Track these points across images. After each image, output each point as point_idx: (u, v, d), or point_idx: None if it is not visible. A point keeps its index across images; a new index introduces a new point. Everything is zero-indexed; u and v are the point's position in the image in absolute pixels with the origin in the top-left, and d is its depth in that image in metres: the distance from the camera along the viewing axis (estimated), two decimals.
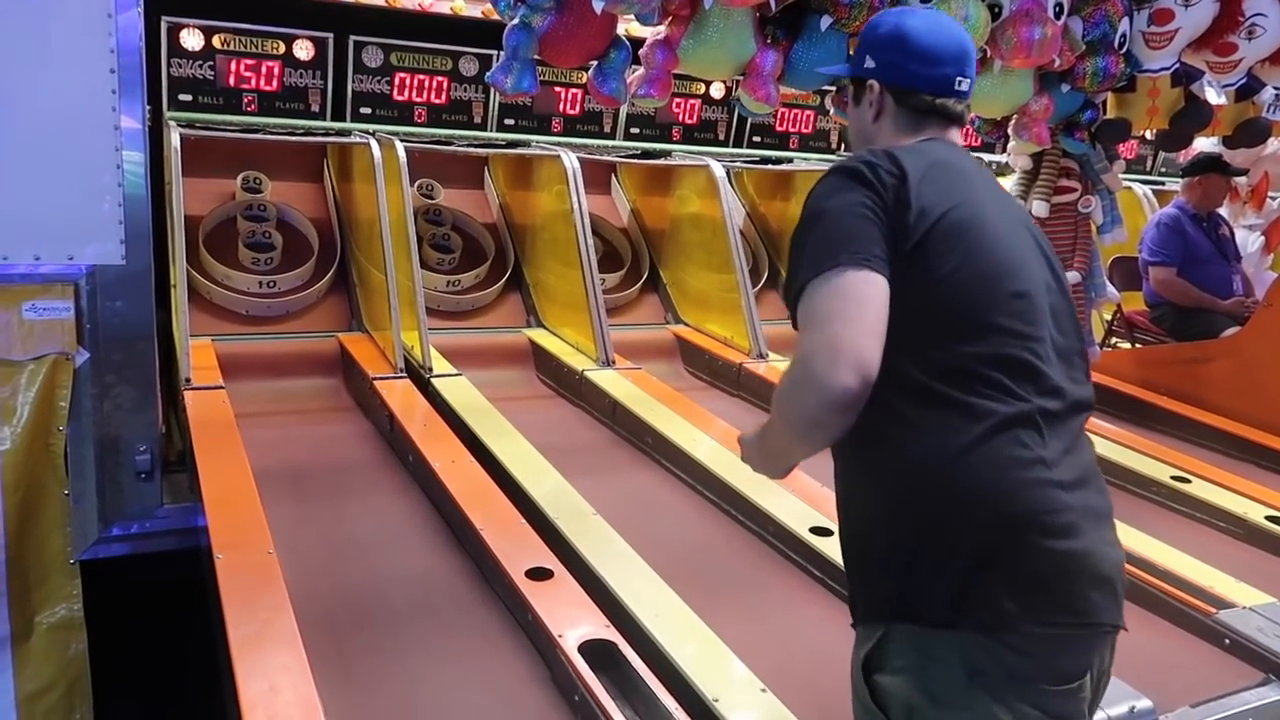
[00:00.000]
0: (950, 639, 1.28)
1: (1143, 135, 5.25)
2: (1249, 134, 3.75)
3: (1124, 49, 3.20)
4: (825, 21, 2.57)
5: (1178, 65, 3.35)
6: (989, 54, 2.90)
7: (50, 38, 2.47)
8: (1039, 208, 3.78)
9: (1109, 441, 3.62)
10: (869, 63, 1.53)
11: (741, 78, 2.64)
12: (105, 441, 2.77)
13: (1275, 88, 3.42)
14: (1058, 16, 2.86)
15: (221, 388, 3.29)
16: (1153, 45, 3.23)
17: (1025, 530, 1.27)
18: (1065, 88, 3.19)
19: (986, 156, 5.51)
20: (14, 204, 2.49)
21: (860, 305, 1.24)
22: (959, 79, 1.49)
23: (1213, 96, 3.78)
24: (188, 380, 3.27)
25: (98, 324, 2.71)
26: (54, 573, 2.72)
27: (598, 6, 2.16)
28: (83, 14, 2.49)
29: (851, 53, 1.51)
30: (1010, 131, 3.30)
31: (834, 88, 3.30)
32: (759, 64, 2.58)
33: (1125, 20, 3.15)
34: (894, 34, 1.50)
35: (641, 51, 2.61)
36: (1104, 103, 3.55)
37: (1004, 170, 5.11)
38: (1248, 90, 3.53)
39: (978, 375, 1.30)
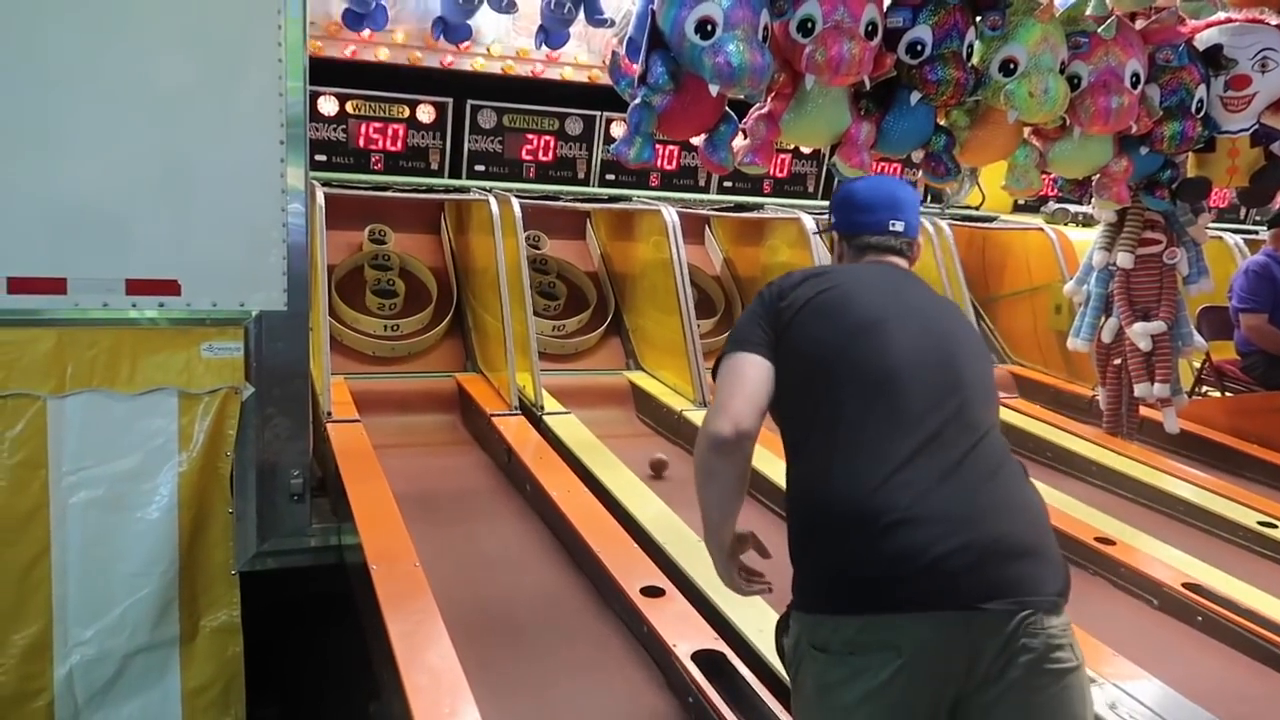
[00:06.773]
0: None
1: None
2: None
3: (1201, 114, 3.31)
4: (915, 96, 2.81)
5: (1257, 126, 3.46)
6: (1068, 121, 3.08)
7: (231, 112, 2.83)
8: (1123, 259, 3.90)
9: (1197, 487, 3.70)
10: (833, 219, 1.97)
11: (837, 145, 2.89)
12: (264, 466, 3.09)
13: None
14: (1134, 86, 3.04)
15: (358, 421, 3.64)
16: (1231, 109, 3.36)
17: None
18: (1144, 150, 3.32)
19: (1073, 208, 5.65)
20: (198, 258, 2.86)
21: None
22: (891, 222, 1.87)
23: None
24: (329, 414, 3.63)
25: (262, 362, 3.01)
26: (217, 582, 3.06)
27: (714, 89, 2.44)
28: (259, 90, 2.84)
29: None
30: (1093, 191, 3.44)
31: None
32: (853, 134, 2.83)
33: (1202, 87, 3.27)
34: (843, 196, 1.97)
35: (747, 124, 2.88)
36: (1185, 161, 3.66)
37: (1090, 220, 5.25)
38: None
39: None
